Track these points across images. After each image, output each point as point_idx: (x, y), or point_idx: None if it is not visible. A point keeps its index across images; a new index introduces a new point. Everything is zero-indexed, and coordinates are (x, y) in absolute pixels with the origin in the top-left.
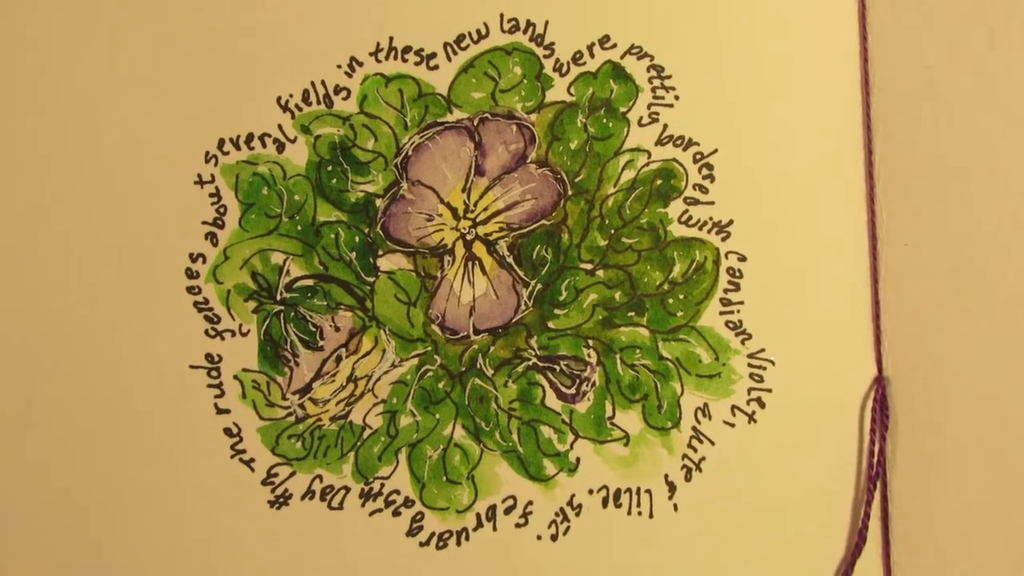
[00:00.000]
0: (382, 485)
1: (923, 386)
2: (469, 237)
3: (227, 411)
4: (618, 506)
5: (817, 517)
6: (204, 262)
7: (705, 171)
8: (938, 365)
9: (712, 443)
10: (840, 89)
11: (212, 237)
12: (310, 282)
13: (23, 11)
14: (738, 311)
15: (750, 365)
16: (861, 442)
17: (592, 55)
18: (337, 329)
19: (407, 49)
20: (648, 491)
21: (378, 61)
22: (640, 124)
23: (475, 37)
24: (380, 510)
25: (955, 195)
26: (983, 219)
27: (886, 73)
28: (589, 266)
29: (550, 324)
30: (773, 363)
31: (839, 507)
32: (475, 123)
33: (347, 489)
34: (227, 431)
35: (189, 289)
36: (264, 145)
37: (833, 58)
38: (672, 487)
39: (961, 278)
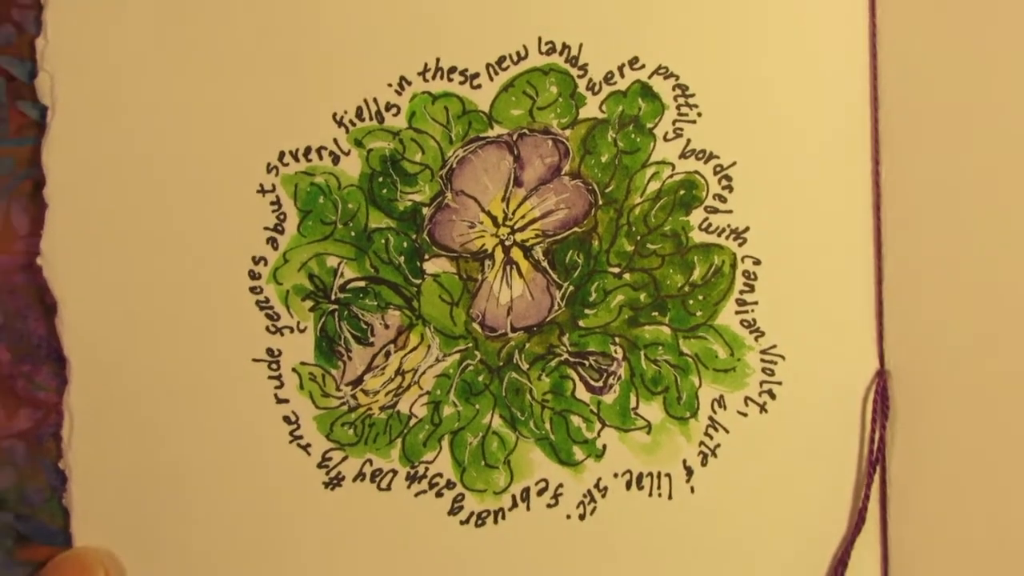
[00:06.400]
0: (426, 469)
1: (921, 380)
2: (507, 243)
3: (286, 401)
4: (640, 488)
5: (821, 498)
6: (265, 264)
7: (724, 182)
8: (934, 361)
9: (727, 431)
10: (850, 108)
11: (273, 242)
12: (362, 283)
13: (102, 41)
14: (752, 311)
15: (762, 360)
16: (863, 430)
17: (622, 75)
18: (387, 327)
19: (452, 69)
20: (668, 475)
21: (426, 80)
22: (665, 139)
23: (515, 59)
24: (424, 491)
25: (953, 209)
26: (977, 233)
27: (893, 94)
28: (617, 270)
29: (580, 323)
30: (784, 358)
31: (842, 489)
32: (514, 138)
33: (394, 472)
34: (286, 419)
35: (252, 289)
36: (321, 157)
37: (843, 80)
38: (689, 471)
39: (955, 285)
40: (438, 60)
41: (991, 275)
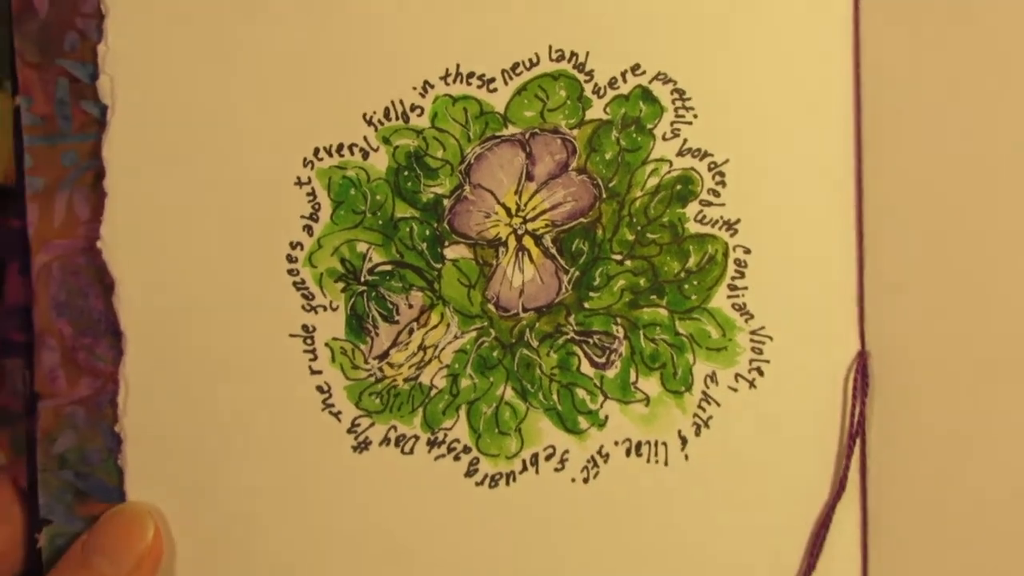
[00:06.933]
0: (445, 435)
1: (898, 360)
2: (520, 232)
3: (319, 372)
4: (639, 455)
5: (805, 467)
6: (302, 249)
7: (718, 178)
8: (911, 343)
9: (718, 405)
10: (833, 111)
11: (308, 229)
12: (388, 267)
13: (157, 48)
14: (743, 295)
15: (752, 340)
16: (844, 405)
17: (625, 80)
18: (410, 306)
19: (471, 74)
20: (664, 444)
21: (447, 84)
22: (664, 138)
23: (528, 65)
24: (443, 455)
25: (928, 208)
26: (951, 230)
27: (872, 102)
28: (619, 257)
29: (585, 305)
30: (771, 339)
31: (824, 459)
32: (526, 137)
33: (416, 438)
34: (319, 388)
35: (289, 272)
36: (352, 153)
37: (827, 86)
38: (684, 440)
39: (930, 274)
40: (458, 66)
41: (963, 269)
